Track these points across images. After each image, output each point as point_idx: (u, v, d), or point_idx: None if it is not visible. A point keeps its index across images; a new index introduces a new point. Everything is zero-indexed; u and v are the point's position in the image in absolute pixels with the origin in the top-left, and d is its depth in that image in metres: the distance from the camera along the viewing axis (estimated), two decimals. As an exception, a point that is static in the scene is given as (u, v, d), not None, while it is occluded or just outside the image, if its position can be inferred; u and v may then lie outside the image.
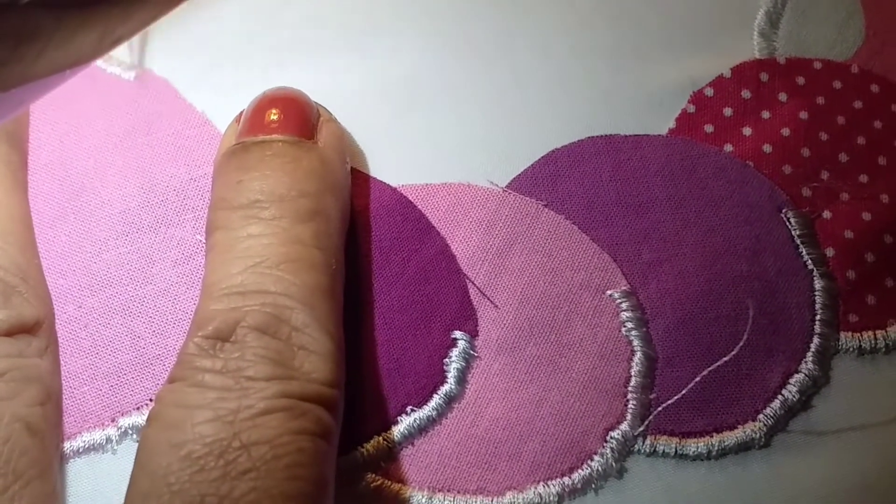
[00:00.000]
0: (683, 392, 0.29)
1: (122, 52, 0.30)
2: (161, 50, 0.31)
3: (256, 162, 0.27)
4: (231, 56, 0.31)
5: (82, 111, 0.30)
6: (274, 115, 0.28)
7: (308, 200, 0.27)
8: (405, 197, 0.30)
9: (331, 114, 0.30)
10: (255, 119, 0.28)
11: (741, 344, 0.29)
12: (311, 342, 0.26)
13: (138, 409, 0.28)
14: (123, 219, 0.29)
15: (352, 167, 0.30)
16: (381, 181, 0.30)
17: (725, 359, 0.29)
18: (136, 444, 0.27)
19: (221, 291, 0.26)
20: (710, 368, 0.29)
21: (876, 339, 0.31)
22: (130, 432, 0.28)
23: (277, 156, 0.27)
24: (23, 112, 0.29)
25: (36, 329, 0.27)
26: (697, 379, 0.29)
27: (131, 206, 0.29)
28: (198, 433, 0.23)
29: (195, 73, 0.31)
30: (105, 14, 0.21)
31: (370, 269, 0.29)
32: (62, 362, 0.28)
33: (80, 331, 0.28)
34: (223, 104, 0.30)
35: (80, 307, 0.28)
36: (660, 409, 0.29)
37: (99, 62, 0.30)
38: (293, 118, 0.28)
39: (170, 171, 0.30)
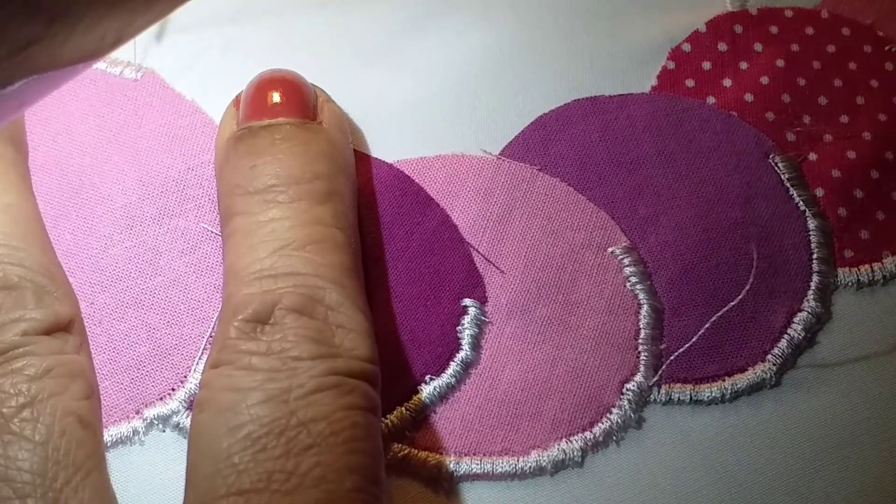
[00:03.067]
0: (694, 340, 0.31)
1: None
2: (142, 41, 0.32)
3: (267, 146, 0.29)
4: (215, 43, 0.33)
5: (73, 109, 0.31)
6: (276, 97, 0.30)
7: (323, 182, 0.29)
8: (402, 172, 0.32)
9: (327, 94, 0.31)
10: (256, 102, 0.29)
11: (747, 288, 0.31)
12: (347, 320, 0.27)
13: (161, 399, 0.29)
14: (125, 213, 0.30)
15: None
16: (378, 158, 0.32)
17: (732, 304, 0.31)
18: (163, 434, 0.28)
19: (252, 275, 0.27)
20: (717, 314, 0.31)
21: (873, 271, 0.33)
22: (156, 423, 0.29)
23: (287, 139, 0.29)
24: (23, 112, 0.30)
25: (70, 326, 0.28)
26: (707, 326, 0.31)
27: (132, 200, 0.31)
28: (254, 414, 0.25)
29: (181, 63, 0.32)
30: (131, 2, 0.22)
31: (376, 246, 0.31)
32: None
33: (95, 327, 0.29)
34: (212, 91, 0.32)
35: (92, 304, 0.29)
36: (672, 358, 0.31)
37: None
38: (295, 100, 0.30)
39: (166, 161, 0.31)
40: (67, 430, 0.26)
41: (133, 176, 0.30)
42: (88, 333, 0.29)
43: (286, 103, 0.29)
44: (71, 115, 0.30)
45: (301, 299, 0.27)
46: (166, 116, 0.31)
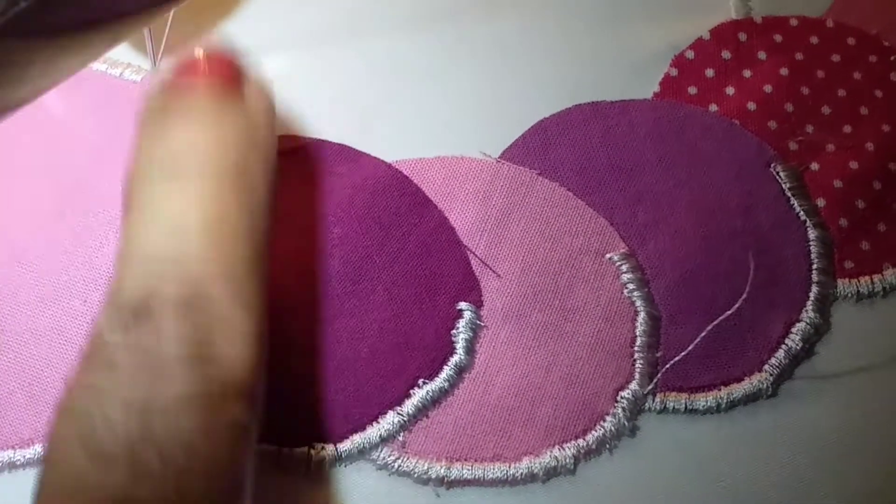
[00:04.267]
0: (690, 348, 0.31)
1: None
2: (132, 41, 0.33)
3: (181, 113, 0.26)
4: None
5: (72, 109, 0.32)
6: (199, 54, 0.27)
7: (234, 159, 0.25)
8: (400, 172, 0.32)
9: (262, 82, 0.29)
10: (182, 65, 0.27)
11: (744, 297, 0.31)
12: (233, 318, 0.24)
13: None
14: (117, 212, 0.31)
15: (345, 146, 0.32)
16: (376, 157, 0.32)
17: (729, 312, 0.31)
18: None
19: (138, 257, 0.24)
20: (714, 323, 0.31)
21: (873, 283, 0.33)
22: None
23: (201, 106, 0.26)
24: None
25: None
26: (703, 334, 0.31)
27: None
28: (107, 424, 0.22)
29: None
30: (94, 37, 0.22)
31: (371, 246, 0.31)
32: (75, 355, 0.29)
33: (89, 324, 0.29)
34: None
35: (86, 301, 0.30)
36: (668, 366, 0.31)
37: None
38: (218, 66, 0.27)
39: None
40: None
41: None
42: (83, 331, 0.29)
43: (209, 66, 0.26)
44: (68, 116, 0.31)
45: (184, 290, 0.23)
46: None
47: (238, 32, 0.33)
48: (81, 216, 0.30)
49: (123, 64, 0.32)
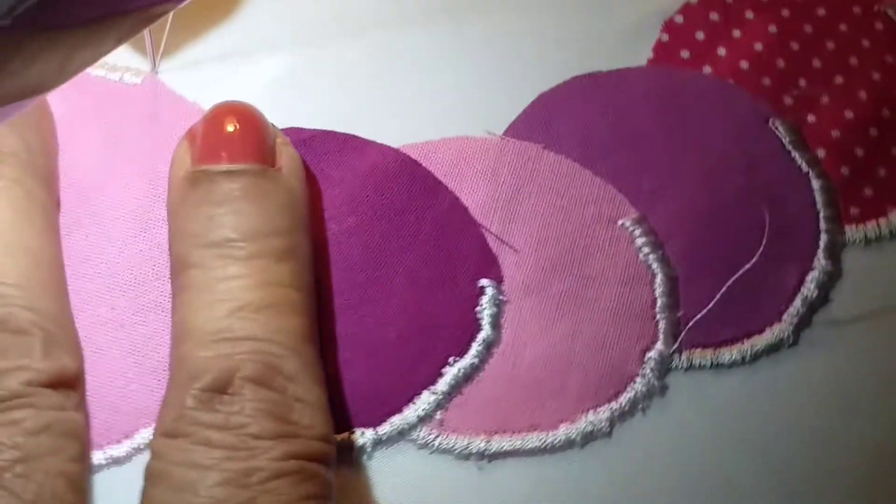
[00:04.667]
0: (711, 305, 0.36)
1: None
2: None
3: (225, 196, 0.31)
4: (213, 43, 0.37)
5: (75, 117, 0.35)
6: (231, 127, 0.32)
7: (282, 238, 0.31)
8: (408, 156, 0.36)
9: (284, 136, 0.33)
10: (212, 139, 0.32)
11: (761, 250, 0.36)
12: (305, 393, 0.30)
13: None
14: (136, 216, 0.34)
15: (351, 135, 0.36)
16: (382, 144, 0.36)
17: (748, 266, 0.36)
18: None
19: (209, 336, 0.29)
20: (734, 277, 0.35)
21: (879, 227, 0.38)
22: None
23: (247, 190, 0.31)
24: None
25: (75, 382, 0.31)
26: (723, 290, 0.35)
27: (142, 204, 0.34)
28: (212, 496, 0.27)
29: (181, 64, 0.36)
30: (65, 39, 0.25)
31: (388, 232, 0.35)
32: (106, 364, 0.33)
33: (118, 331, 0.33)
34: (214, 92, 0.36)
35: (113, 308, 0.33)
36: (691, 324, 0.35)
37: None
38: (253, 141, 0.32)
39: None
40: (57, 493, 0.28)
41: (141, 179, 0.34)
42: (112, 338, 0.33)
43: (244, 143, 0.32)
44: (74, 122, 0.35)
45: (260, 368, 0.29)
46: (170, 119, 0.35)
47: (236, 29, 0.36)
48: (96, 224, 0.33)
49: (122, 68, 0.36)
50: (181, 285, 0.31)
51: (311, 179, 0.35)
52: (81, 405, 0.32)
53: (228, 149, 0.32)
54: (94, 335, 0.33)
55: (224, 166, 0.31)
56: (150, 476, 0.28)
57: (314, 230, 0.34)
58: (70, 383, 0.31)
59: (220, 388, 0.29)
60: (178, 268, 0.31)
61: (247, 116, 0.32)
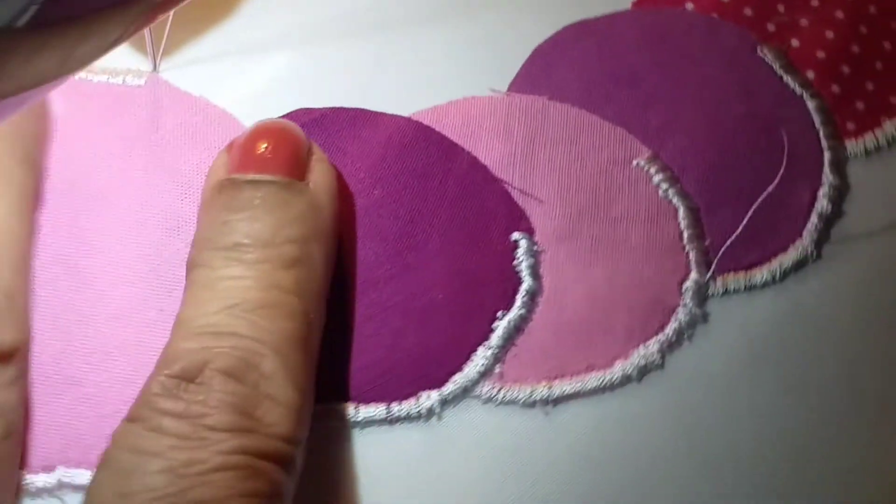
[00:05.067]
0: (740, 230, 0.40)
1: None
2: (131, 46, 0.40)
3: (245, 203, 0.34)
4: (210, 37, 0.40)
5: (86, 125, 0.39)
6: (264, 146, 0.35)
7: (293, 247, 0.34)
8: (421, 123, 0.40)
9: (322, 152, 0.37)
10: (245, 152, 0.35)
11: (782, 171, 0.40)
12: (278, 392, 0.32)
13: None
14: (167, 216, 0.38)
15: (361, 109, 0.40)
16: (394, 114, 0.40)
17: (770, 188, 0.41)
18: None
19: (194, 330, 0.32)
20: (758, 201, 0.40)
21: (877, 137, 0.43)
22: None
23: (267, 199, 0.34)
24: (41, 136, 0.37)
25: (9, 357, 0.33)
26: (750, 213, 0.40)
27: (170, 203, 0.38)
28: (146, 484, 0.29)
29: (182, 61, 0.40)
30: (62, 35, 0.27)
31: (414, 199, 0.39)
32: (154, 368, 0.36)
33: (167, 334, 0.36)
34: (217, 84, 0.39)
35: (161, 310, 0.37)
36: (723, 249, 0.40)
37: (85, 74, 0.38)
38: (284, 155, 0.35)
39: (192, 159, 0.39)
40: None
41: (165, 179, 0.38)
42: (163, 339, 0.35)
43: (275, 157, 0.35)
44: (85, 131, 0.38)
45: (234, 362, 0.31)
46: (180, 115, 0.38)
47: (233, 21, 0.40)
48: (126, 229, 0.37)
49: (123, 71, 0.39)
50: (186, 285, 0.34)
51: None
52: (19, 381, 0.34)
53: (259, 161, 0.35)
54: (147, 338, 0.36)
55: (250, 176, 0.35)
56: (101, 459, 0.31)
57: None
58: (3, 358, 0.33)
59: (189, 377, 0.31)
60: (188, 269, 0.35)
61: (282, 132, 0.36)
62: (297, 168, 0.35)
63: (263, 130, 0.36)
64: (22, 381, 0.35)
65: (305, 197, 0.35)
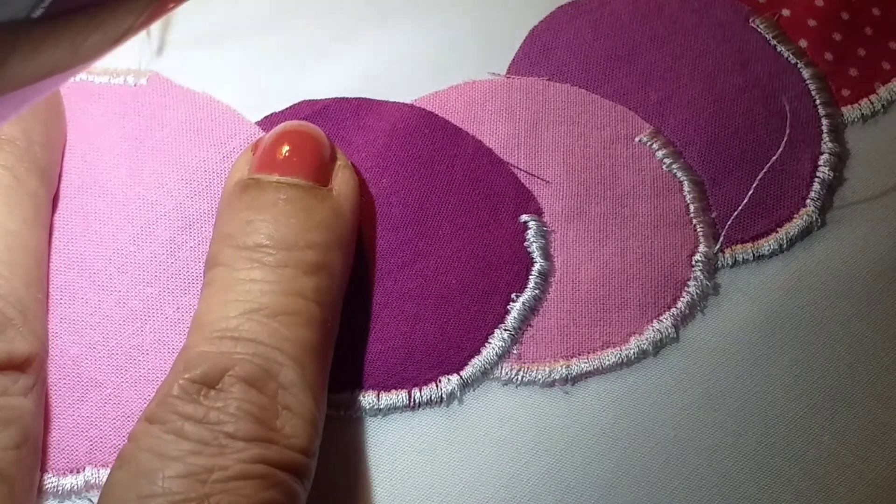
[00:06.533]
0: (746, 200, 0.41)
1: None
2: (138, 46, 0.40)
3: (269, 204, 0.34)
4: (206, 32, 0.40)
5: (91, 127, 0.39)
6: (286, 150, 0.36)
7: (315, 253, 0.34)
8: (424, 109, 0.40)
9: (346, 158, 0.38)
10: (270, 152, 0.36)
11: (785, 139, 0.41)
12: (296, 403, 0.32)
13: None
14: (179, 214, 0.38)
15: (364, 98, 0.40)
16: (396, 102, 0.40)
17: (774, 158, 0.41)
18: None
19: (214, 333, 0.32)
20: (763, 170, 0.41)
21: (872, 103, 0.44)
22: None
23: (291, 202, 0.34)
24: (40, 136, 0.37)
25: (25, 366, 0.33)
26: (756, 183, 0.41)
27: (181, 201, 0.38)
28: (167, 488, 0.29)
29: (180, 58, 0.40)
30: (73, 24, 0.27)
31: (422, 185, 0.39)
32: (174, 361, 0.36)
33: (186, 332, 0.36)
34: (218, 78, 0.40)
35: (178, 308, 0.37)
36: (730, 221, 0.40)
37: (86, 76, 0.38)
38: (310, 159, 0.36)
39: (200, 155, 0.39)
40: None
41: (174, 177, 0.38)
42: (181, 338, 0.35)
43: (300, 161, 0.35)
44: (91, 133, 0.38)
45: (255, 370, 0.32)
46: (184, 112, 0.38)
47: (225, 13, 0.40)
48: (139, 228, 0.37)
49: (124, 72, 0.39)
50: (206, 283, 0.35)
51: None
52: (35, 389, 0.34)
53: (284, 164, 0.36)
54: (169, 337, 0.37)
55: (275, 177, 0.35)
56: (119, 458, 0.31)
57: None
58: (20, 366, 0.33)
59: (210, 383, 0.31)
60: (208, 266, 0.35)
61: (308, 136, 0.36)
62: (321, 173, 0.36)
63: (289, 132, 0.36)
64: (39, 389, 0.35)
65: (329, 203, 0.35)
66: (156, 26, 0.39)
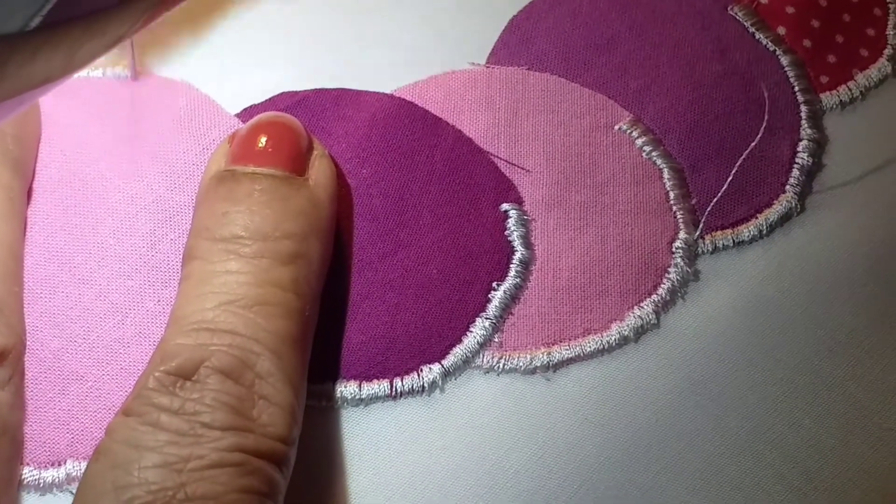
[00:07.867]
0: (725, 187, 0.41)
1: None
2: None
3: (244, 195, 0.34)
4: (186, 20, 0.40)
5: (70, 121, 0.39)
6: (263, 141, 0.35)
7: (291, 243, 0.34)
8: (404, 99, 0.40)
9: (323, 148, 0.38)
10: (246, 144, 0.35)
11: (764, 125, 0.41)
12: (274, 393, 0.32)
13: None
14: (158, 207, 0.38)
15: (343, 89, 0.40)
16: (376, 92, 0.40)
17: (753, 144, 0.41)
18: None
19: (191, 326, 0.32)
20: (742, 156, 0.41)
21: (850, 89, 0.44)
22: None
23: (266, 192, 0.34)
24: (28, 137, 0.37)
25: (1, 359, 0.34)
26: (735, 170, 0.41)
27: (160, 194, 0.38)
28: (143, 478, 0.29)
29: (160, 50, 0.40)
30: (69, 34, 0.27)
31: (403, 176, 0.39)
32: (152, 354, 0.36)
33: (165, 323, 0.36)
34: (198, 66, 0.39)
35: (159, 301, 0.37)
36: (710, 207, 0.41)
37: None
38: (286, 149, 0.36)
39: (180, 147, 0.39)
40: None
41: (153, 169, 0.38)
42: (161, 331, 0.35)
43: (275, 151, 0.35)
44: (70, 126, 0.38)
45: (231, 361, 0.32)
46: (164, 102, 0.38)
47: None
48: (119, 220, 0.37)
49: (102, 64, 0.39)
50: (183, 276, 0.35)
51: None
52: (10, 382, 0.34)
53: (260, 154, 0.35)
54: (149, 330, 0.37)
55: (251, 168, 0.35)
56: (96, 451, 0.31)
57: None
58: None
59: (185, 374, 0.31)
60: (185, 259, 0.35)
61: (283, 127, 0.36)
62: (297, 163, 0.36)
63: (265, 124, 0.36)
64: (16, 381, 0.35)
65: (305, 192, 0.35)
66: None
